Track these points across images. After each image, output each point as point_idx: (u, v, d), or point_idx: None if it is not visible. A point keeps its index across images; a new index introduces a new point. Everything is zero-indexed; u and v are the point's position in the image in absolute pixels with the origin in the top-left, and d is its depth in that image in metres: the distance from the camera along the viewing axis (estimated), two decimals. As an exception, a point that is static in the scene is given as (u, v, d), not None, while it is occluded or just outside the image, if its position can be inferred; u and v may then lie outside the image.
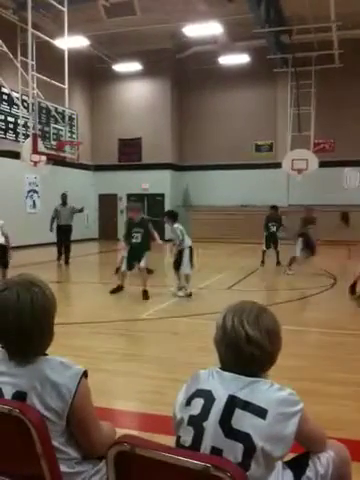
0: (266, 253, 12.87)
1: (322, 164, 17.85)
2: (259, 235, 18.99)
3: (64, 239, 13.30)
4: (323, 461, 1.93)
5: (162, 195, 21.88)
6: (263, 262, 12.68)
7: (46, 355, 1.91)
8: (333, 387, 4.34)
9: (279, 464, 1.80)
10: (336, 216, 18.32)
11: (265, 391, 1.73)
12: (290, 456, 1.94)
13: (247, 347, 1.74)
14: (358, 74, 18.62)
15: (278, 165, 18.80)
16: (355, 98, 19.00)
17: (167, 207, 21.87)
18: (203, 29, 16.20)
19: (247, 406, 1.69)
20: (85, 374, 1.87)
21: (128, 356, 5.25)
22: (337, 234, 16.62)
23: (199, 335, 5.82)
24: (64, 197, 13.49)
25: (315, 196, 19.01)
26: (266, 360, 1.79)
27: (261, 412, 1.68)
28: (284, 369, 4.66)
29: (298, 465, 1.92)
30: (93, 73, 21.66)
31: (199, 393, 1.76)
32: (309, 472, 1.90)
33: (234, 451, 1.66)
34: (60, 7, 11.73)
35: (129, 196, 22.31)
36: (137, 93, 21.90)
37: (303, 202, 19.32)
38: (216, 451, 1.67)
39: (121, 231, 22.49)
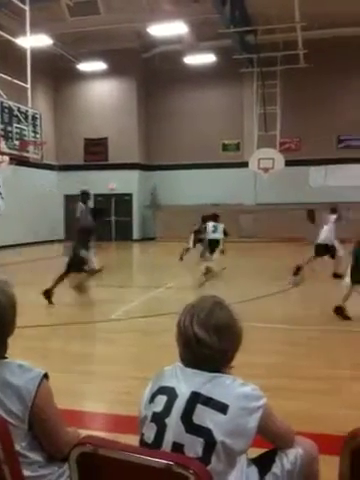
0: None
1: (288, 163, 18.11)
2: (230, 234, 19.12)
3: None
4: (290, 457, 1.93)
5: (130, 195, 21.78)
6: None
7: (5, 358, 1.88)
8: (305, 382, 4.38)
9: (244, 460, 1.80)
10: (302, 214, 18.61)
11: (227, 386, 1.74)
12: (257, 453, 1.95)
13: (196, 347, 1.77)
14: (323, 74, 18.91)
15: (245, 164, 18.96)
16: (320, 98, 19.31)
17: (135, 207, 21.83)
18: (168, 29, 16.21)
19: (209, 402, 1.70)
20: (46, 376, 1.85)
21: (97, 357, 5.22)
22: (303, 232, 16.86)
23: (168, 334, 5.79)
24: (85, 196, 12.05)
25: (282, 195, 19.25)
26: (220, 358, 1.80)
27: (222, 407, 1.69)
28: (256, 365, 4.72)
29: (264, 461, 1.92)
30: (57, 72, 21.40)
31: (162, 390, 1.78)
32: (275, 468, 1.90)
33: (195, 446, 1.67)
34: (22, 6, 11.54)
35: (96, 196, 22.13)
36: (103, 92, 21.76)
37: (270, 201, 19.59)
38: (177, 446, 1.68)
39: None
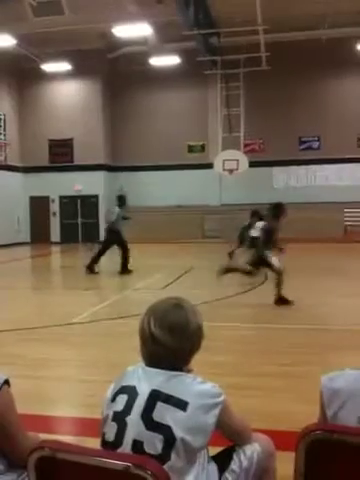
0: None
1: (252, 164, 18.34)
2: (195, 235, 19.30)
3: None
4: (248, 454, 1.98)
5: (96, 196, 21.65)
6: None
7: None
8: (262, 380, 4.46)
9: (203, 457, 1.84)
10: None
11: (187, 384, 1.79)
12: (216, 450, 1.99)
13: (152, 346, 1.83)
14: (284, 76, 19.24)
15: (210, 165, 19.11)
16: (282, 100, 19.63)
17: (101, 208, 21.69)
18: (133, 30, 16.18)
19: (168, 399, 1.74)
20: (7, 382, 1.85)
21: (61, 361, 5.16)
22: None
23: (134, 336, 5.79)
24: (122, 199, 11.91)
25: (246, 195, 19.46)
26: (177, 357, 1.84)
27: (182, 404, 1.73)
28: (216, 364, 4.77)
29: (223, 459, 1.96)
30: (21, 73, 21.09)
31: (124, 389, 1.81)
32: (234, 465, 1.94)
33: (154, 443, 1.70)
34: (-17, 4, 11.35)
35: (61, 198, 21.92)
36: (68, 93, 21.56)
37: (235, 202, 19.78)
38: (137, 444, 1.71)
39: (54, 234, 22.15)
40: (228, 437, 1.96)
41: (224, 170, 18.49)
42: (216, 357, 4.98)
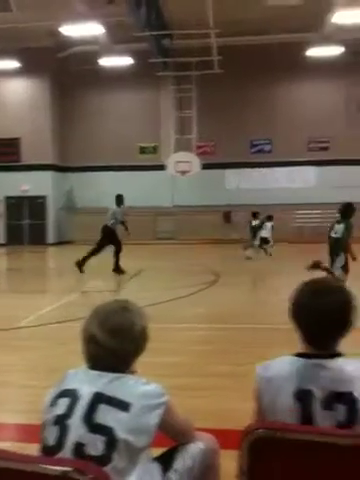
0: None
1: (205, 166, 18.50)
2: (147, 236, 19.25)
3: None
4: (191, 453, 2.00)
5: (43, 197, 21.21)
6: None
7: None
8: (210, 380, 4.49)
9: (146, 458, 1.84)
10: (219, 216, 19.12)
11: (130, 386, 1.79)
12: (159, 451, 1.98)
13: (94, 347, 1.83)
14: (237, 80, 19.49)
15: (163, 167, 19.12)
16: (233, 103, 19.89)
17: (49, 209, 21.30)
18: (83, 29, 15.97)
19: (111, 401, 1.74)
20: None
21: (2, 366, 5.02)
22: (219, 233, 17.36)
23: (77, 339, 5.70)
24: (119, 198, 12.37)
25: (199, 197, 19.60)
26: (119, 359, 1.84)
27: (124, 406, 1.73)
28: (169, 365, 4.77)
29: (166, 459, 1.97)
30: (-33, 70, 20.44)
31: (65, 393, 1.80)
32: (177, 465, 1.96)
33: (96, 445, 1.70)
34: None
35: (8, 198, 21.38)
36: (15, 91, 21.05)
37: (188, 203, 19.88)
38: (79, 446, 1.70)
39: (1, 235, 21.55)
40: (172, 437, 1.98)
41: (177, 172, 18.56)
42: (170, 358, 4.99)
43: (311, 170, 20.11)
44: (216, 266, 12.11)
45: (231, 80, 19.20)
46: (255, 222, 14.68)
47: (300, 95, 20.35)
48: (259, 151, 20.58)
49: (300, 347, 1.94)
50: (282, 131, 20.01)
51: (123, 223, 11.99)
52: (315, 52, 18.41)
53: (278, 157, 20.03)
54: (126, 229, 12.03)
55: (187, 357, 5.16)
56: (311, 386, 1.78)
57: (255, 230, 14.34)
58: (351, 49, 17.92)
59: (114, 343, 1.80)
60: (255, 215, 14.85)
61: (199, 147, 19.53)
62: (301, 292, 1.92)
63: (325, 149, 20.23)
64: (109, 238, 11.71)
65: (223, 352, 5.37)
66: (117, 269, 11.43)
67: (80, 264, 11.34)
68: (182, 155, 18.35)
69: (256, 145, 20.58)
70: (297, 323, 1.90)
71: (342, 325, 1.86)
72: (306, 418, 1.78)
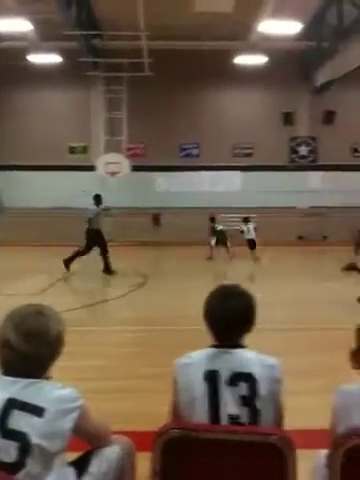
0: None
1: (135, 168, 18.50)
2: (75, 238, 18.89)
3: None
4: (106, 456, 2.03)
5: (-32, 196, 20.39)
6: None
7: None
8: (134, 382, 4.54)
9: (61, 462, 1.85)
10: (148, 218, 19.19)
11: (45, 391, 1.80)
12: (75, 455, 2.01)
13: (8, 353, 1.82)
14: (167, 84, 19.62)
15: (93, 168, 18.93)
16: (164, 107, 20.02)
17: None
18: (10, 25, 15.53)
19: (25, 406, 1.74)
20: None
21: None
22: (148, 235, 17.42)
23: None
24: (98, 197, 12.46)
25: (129, 199, 19.55)
26: (34, 364, 1.84)
27: (38, 411, 1.74)
28: (93, 368, 4.77)
29: (81, 463, 1.99)
30: None
31: None
32: (92, 468, 1.99)
33: (9, 450, 1.70)
34: None
35: None
36: None
37: (117, 205, 19.76)
38: None
39: None
40: (87, 441, 2.00)
41: (106, 173, 18.45)
42: (96, 361, 5.00)
43: (236, 175, 20.65)
44: (144, 268, 12.18)
45: (161, 83, 19.33)
46: (220, 227, 15.30)
47: (227, 102, 20.83)
48: (187, 155, 20.86)
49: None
50: (209, 136, 20.39)
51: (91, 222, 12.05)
52: (242, 60, 18.90)
53: (205, 161, 20.39)
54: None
55: (113, 360, 5.19)
56: (217, 367, 2.09)
57: (223, 234, 15.06)
58: (275, 59, 18.60)
59: (28, 347, 1.79)
60: (213, 219, 15.52)
61: (129, 149, 19.51)
62: (212, 295, 2.24)
63: (249, 155, 20.85)
64: (96, 239, 11.83)
65: (149, 354, 5.44)
66: (107, 270, 11.56)
67: (108, 271, 11.55)
68: (112, 156, 18.27)
69: (185, 149, 20.84)
70: (208, 322, 2.20)
71: (246, 324, 2.20)
72: (213, 393, 2.07)
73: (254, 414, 2.07)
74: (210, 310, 2.20)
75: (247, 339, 2.30)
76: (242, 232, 14.85)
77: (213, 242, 15.10)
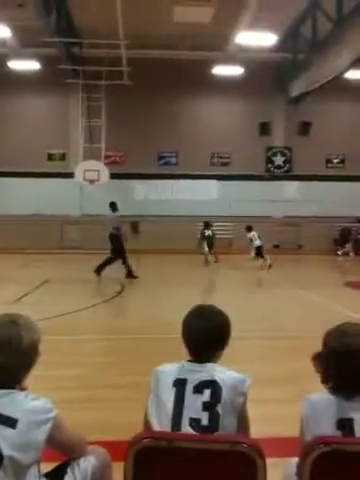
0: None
1: (113, 176, 18.46)
2: (53, 245, 18.83)
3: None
4: (82, 467, 2.03)
5: None
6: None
7: None
8: (110, 391, 4.53)
9: (34, 474, 1.84)
10: (127, 226, 19.11)
11: (18, 402, 1.79)
12: (49, 467, 2.02)
13: None
14: (146, 92, 19.69)
15: (71, 175, 18.86)
16: (142, 115, 20.08)
17: None
18: (-11, 31, 15.45)
19: None
20: None
21: None
22: (127, 243, 17.30)
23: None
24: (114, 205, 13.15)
25: (107, 206, 19.48)
26: (6, 374, 1.84)
27: (11, 422, 1.74)
28: (68, 378, 4.76)
29: (56, 474, 1.99)
30: None
31: None
32: (67, 479, 1.99)
33: None
34: None
35: None
36: None
37: (96, 212, 19.66)
38: None
39: None
40: (62, 452, 1.99)
41: (85, 180, 18.38)
42: (71, 370, 4.97)
43: (213, 184, 20.80)
44: (122, 276, 12.17)
45: (140, 92, 19.41)
46: (208, 232, 16.01)
47: (205, 111, 21.00)
48: (166, 163, 20.96)
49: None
50: (187, 145, 20.52)
51: (119, 229, 12.64)
52: (220, 70, 19.13)
53: (184, 170, 20.50)
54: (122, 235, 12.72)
55: (89, 369, 5.17)
56: (187, 376, 2.20)
57: (210, 239, 15.88)
58: (252, 70, 18.86)
59: (2, 357, 1.79)
60: (207, 225, 16.24)
61: (108, 156, 19.48)
62: (188, 315, 2.34)
63: (226, 164, 21.04)
64: (115, 245, 12.45)
65: (125, 363, 5.44)
66: (130, 275, 12.13)
67: (130, 275, 12.12)
68: (91, 164, 18.21)
69: (163, 157, 20.94)
70: (184, 340, 2.31)
71: (219, 343, 2.31)
72: (179, 399, 2.17)
73: (215, 418, 2.14)
74: (186, 330, 2.31)
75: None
76: (251, 240, 15.39)
77: (206, 249, 15.66)
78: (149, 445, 1.93)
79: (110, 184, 18.31)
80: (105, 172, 18.14)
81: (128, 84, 18.40)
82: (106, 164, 18.66)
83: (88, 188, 18.46)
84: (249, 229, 15.69)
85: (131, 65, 17.91)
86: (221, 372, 2.24)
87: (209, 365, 2.25)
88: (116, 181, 18.82)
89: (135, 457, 1.90)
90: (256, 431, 3.42)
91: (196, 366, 2.24)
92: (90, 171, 18.21)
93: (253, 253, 15.28)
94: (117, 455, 2.16)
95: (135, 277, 12.14)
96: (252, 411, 3.72)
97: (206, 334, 2.25)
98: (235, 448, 1.89)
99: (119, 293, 10.18)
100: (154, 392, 2.28)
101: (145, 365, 5.26)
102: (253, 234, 15.38)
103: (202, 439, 2.03)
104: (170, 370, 2.28)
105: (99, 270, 12.18)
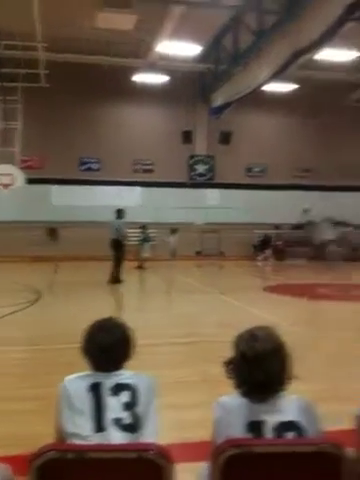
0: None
1: (30, 181, 17.92)
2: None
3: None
4: None
5: None
6: None
7: None
8: (22, 404, 4.35)
9: None
10: (43, 232, 18.58)
11: None
12: None
13: None
14: (66, 97, 19.29)
15: (-15, 180, 18.04)
16: (63, 119, 19.67)
17: None
18: None
19: None
20: None
21: None
22: (44, 249, 16.84)
23: None
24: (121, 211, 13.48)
25: (22, 212, 18.88)
26: None
27: None
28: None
29: None
30: None
31: None
32: None
33: None
34: None
35: None
36: None
37: (10, 218, 18.94)
38: None
39: None
40: None
41: (-2, 185, 17.66)
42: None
43: (136, 190, 20.78)
44: (38, 284, 11.77)
45: (60, 96, 18.99)
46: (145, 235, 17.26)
47: (128, 118, 20.95)
48: (88, 169, 20.66)
49: None
50: (110, 151, 20.35)
51: (124, 236, 13.13)
52: (143, 78, 19.16)
53: (106, 176, 20.30)
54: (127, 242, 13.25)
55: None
56: (101, 380, 2.25)
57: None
58: (175, 79, 19.06)
59: None
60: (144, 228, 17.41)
61: (24, 161, 18.80)
62: (89, 328, 2.41)
63: (149, 171, 21.11)
64: (116, 249, 12.88)
65: (34, 375, 5.25)
66: (115, 280, 12.58)
67: (116, 280, 12.58)
68: (4, 168, 17.51)
69: (85, 163, 20.63)
70: (84, 353, 2.37)
71: (122, 355, 2.37)
72: (97, 402, 2.21)
73: (136, 417, 2.21)
74: (87, 344, 2.37)
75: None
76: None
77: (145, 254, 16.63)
78: (54, 457, 1.83)
79: (26, 189, 17.76)
80: (20, 177, 17.55)
81: (47, 87, 17.92)
82: (22, 168, 18.05)
83: (1, 193, 17.71)
84: (173, 231, 16.84)
85: (50, 68, 17.47)
86: (131, 376, 2.31)
87: (118, 372, 2.33)
88: (33, 186, 18.29)
89: (39, 471, 1.80)
90: (171, 436, 3.40)
91: (106, 373, 2.30)
92: (3, 175, 17.54)
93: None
94: (22, 469, 2.05)
95: (120, 282, 12.66)
96: (166, 416, 3.69)
97: (109, 349, 2.30)
98: (143, 455, 1.83)
99: (35, 301, 9.81)
100: (65, 401, 2.26)
101: (55, 376, 5.07)
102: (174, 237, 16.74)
103: (110, 449, 1.97)
104: (81, 378, 2.30)
105: (116, 280, 12.66)
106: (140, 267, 16.65)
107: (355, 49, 15.62)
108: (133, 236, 16.52)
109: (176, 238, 17.18)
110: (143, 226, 17.46)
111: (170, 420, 3.73)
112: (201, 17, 14.59)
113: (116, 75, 18.90)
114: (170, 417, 3.79)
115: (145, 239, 17.30)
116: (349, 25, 11.48)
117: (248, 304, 9.67)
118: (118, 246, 12.91)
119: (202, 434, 2.88)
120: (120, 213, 13.42)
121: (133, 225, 17.27)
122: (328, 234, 18.30)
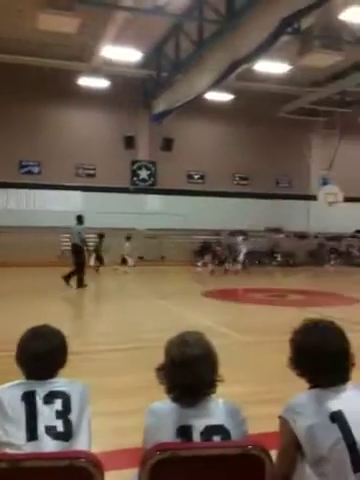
0: None
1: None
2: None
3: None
4: None
5: None
6: None
7: None
8: None
9: None
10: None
11: None
12: None
13: None
14: (5, 98, 18.82)
15: None
16: (1, 122, 19.19)
17: None
18: None
19: None
20: None
21: None
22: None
23: None
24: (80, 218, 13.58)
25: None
26: None
27: None
28: None
29: None
30: None
31: None
32: None
33: None
34: None
35: None
36: None
37: None
38: None
39: None
40: None
41: None
42: None
43: (78, 195, 20.55)
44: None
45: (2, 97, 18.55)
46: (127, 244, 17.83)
47: (69, 121, 20.71)
48: (28, 172, 20.23)
49: None
50: (51, 154, 20.02)
51: (84, 241, 13.20)
52: (85, 82, 19.01)
53: (47, 180, 19.95)
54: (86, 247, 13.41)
55: None
56: (35, 388, 2.24)
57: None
58: (118, 84, 19.04)
59: None
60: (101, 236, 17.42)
61: None
62: (23, 335, 2.37)
63: (91, 176, 20.95)
64: (82, 255, 13.03)
65: None
66: (67, 279, 12.76)
67: (81, 284, 12.78)
68: None
69: (25, 166, 20.19)
70: (18, 361, 2.32)
71: (56, 362, 2.35)
72: (31, 412, 2.19)
73: (68, 425, 2.21)
74: (20, 351, 2.33)
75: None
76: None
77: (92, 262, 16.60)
78: (5, 467, 1.83)
79: None
80: None
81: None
82: None
83: None
84: (128, 238, 17.72)
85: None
86: (65, 384, 2.31)
87: (52, 380, 2.32)
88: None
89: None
90: (111, 443, 3.43)
91: (40, 381, 2.29)
92: None
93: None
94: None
95: (85, 286, 12.87)
96: (106, 423, 3.72)
97: (43, 356, 2.28)
98: (74, 463, 1.86)
99: None
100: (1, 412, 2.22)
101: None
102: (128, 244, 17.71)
103: (42, 457, 1.97)
104: (14, 386, 2.28)
105: (81, 284, 12.84)
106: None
107: (287, 62, 16.21)
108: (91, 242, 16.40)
109: (131, 244, 17.68)
110: (101, 235, 17.42)
111: (110, 427, 3.76)
112: (143, 24, 14.68)
113: (59, 78, 18.66)
114: (110, 424, 3.82)
115: (97, 249, 17.17)
116: (284, 38, 11.92)
117: (186, 308, 9.82)
118: (79, 252, 13.08)
119: (135, 441, 2.93)
120: (80, 219, 13.60)
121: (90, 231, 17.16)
122: (242, 246, 18.91)
